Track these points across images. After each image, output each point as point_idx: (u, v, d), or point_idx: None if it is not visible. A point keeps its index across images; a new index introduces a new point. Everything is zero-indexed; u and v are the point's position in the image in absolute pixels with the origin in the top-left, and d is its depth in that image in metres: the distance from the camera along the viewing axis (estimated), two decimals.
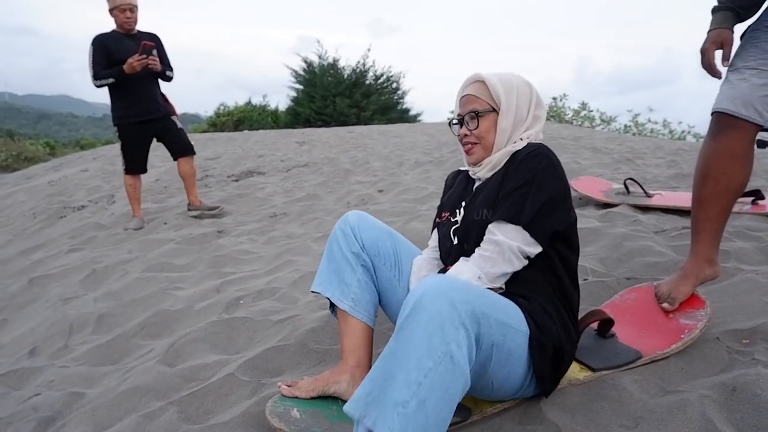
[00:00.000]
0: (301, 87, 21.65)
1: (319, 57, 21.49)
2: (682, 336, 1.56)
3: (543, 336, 1.25)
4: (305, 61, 21.57)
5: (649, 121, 19.00)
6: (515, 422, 1.31)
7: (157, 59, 4.00)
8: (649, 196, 3.18)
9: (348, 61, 21.88)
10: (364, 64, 21.36)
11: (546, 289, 1.33)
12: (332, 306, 1.59)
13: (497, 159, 1.43)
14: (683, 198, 3.06)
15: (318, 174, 5.80)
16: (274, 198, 4.89)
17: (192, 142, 4.46)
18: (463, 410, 1.36)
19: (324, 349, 1.87)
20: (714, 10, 1.74)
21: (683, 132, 18.60)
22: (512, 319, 1.21)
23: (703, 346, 1.55)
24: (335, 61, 21.47)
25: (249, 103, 22.78)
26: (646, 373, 1.46)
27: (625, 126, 19.31)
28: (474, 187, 1.52)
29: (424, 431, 1.01)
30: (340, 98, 20.19)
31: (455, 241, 1.45)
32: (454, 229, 1.46)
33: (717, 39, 1.71)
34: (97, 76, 3.96)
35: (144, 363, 1.98)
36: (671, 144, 7.54)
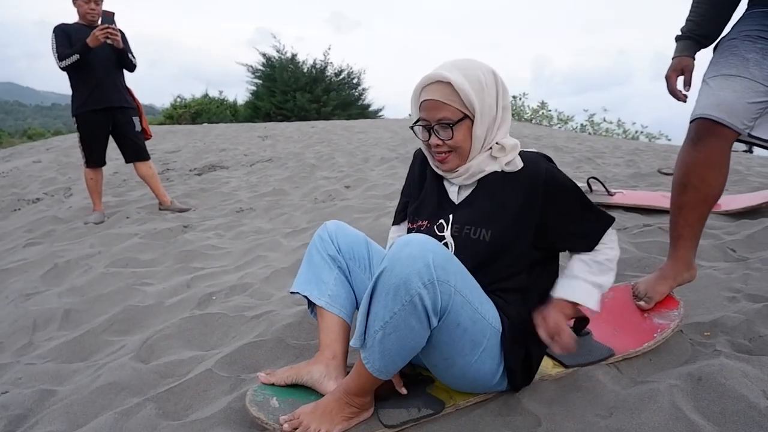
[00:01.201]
0: (260, 81, 21.41)
1: (278, 51, 21.29)
2: (655, 335, 1.63)
3: (515, 334, 1.32)
4: (264, 56, 21.34)
5: (605, 120, 19.60)
6: (495, 414, 1.36)
7: (118, 33, 3.88)
8: (611, 194, 3.30)
9: (309, 56, 21.79)
10: (324, 61, 21.29)
11: (533, 294, 1.39)
12: (311, 306, 1.61)
13: (476, 166, 1.37)
14: (644, 197, 3.19)
15: (283, 169, 5.77)
16: (239, 193, 4.84)
17: (147, 146, 4.36)
18: (436, 403, 1.40)
19: (301, 344, 1.88)
20: (677, 39, 1.86)
21: (637, 132, 19.25)
22: (485, 311, 1.27)
23: (669, 338, 1.63)
24: (293, 56, 21.31)
25: (206, 95, 22.40)
26: (617, 365, 1.53)
27: (582, 125, 19.85)
28: (455, 196, 1.45)
29: (388, 353, 1.22)
30: (300, 93, 20.08)
31: None
32: (443, 244, 1.40)
33: (678, 66, 1.83)
34: (62, 56, 3.84)
35: (117, 359, 1.95)
36: (628, 144, 7.80)
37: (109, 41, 3.80)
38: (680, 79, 1.84)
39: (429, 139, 1.37)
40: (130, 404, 1.62)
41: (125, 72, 4.21)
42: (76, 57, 3.84)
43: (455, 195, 1.45)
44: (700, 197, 1.70)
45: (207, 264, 2.97)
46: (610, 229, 1.41)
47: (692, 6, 1.80)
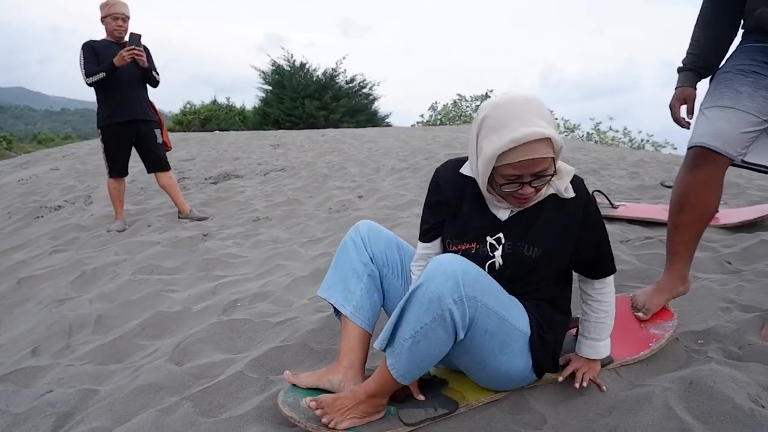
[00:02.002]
0: (269, 88, 21.66)
1: (287, 60, 21.53)
2: (651, 344, 1.76)
3: (543, 335, 1.48)
4: (273, 64, 21.60)
5: (611, 129, 19.72)
6: (505, 413, 1.49)
7: (144, 54, 4.08)
8: (614, 207, 3.44)
9: (318, 63, 22.09)
10: (335, 69, 21.53)
11: (559, 301, 1.57)
12: (336, 310, 1.74)
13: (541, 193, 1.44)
14: (646, 209, 3.32)
15: (296, 178, 5.93)
16: (255, 202, 5.00)
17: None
18: (451, 403, 1.54)
19: (324, 348, 2.03)
20: (679, 70, 2.01)
21: (642, 140, 19.35)
22: (513, 318, 1.42)
23: (665, 345, 1.77)
24: (303, 64, 21.56)
25: (215, 101, 22.69)
26: (617, 370, 1.66)
27: (588, 134, 19.97)
28: (503, 218, 1.48)
29: (414, 359, 1.36)
30: (309, 100, 20.30)
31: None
32: (490, 263, 1.47)
33: (681, 96, 1.98)
34: (89, 73, 4.04)
35: (152, 362, 2.10)
36: (633, 155, 7.92)
37: (135, 60, 4.00)
38: (683, 108, 1.98)
39: (519, 189, 1.36)
40: (168, 403, 1.77)
41: (149, 87, 4.41)
42: (102, 75, 4.04)
43: (500, 212, 1.48)
44: (695, 217, 1.85)
45: (229, 272, 3.13)
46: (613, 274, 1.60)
47: (692, 40, 1.95)
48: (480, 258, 1.48)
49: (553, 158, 1.33)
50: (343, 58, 22.19)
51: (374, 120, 21.80)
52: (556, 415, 1.46)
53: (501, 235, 1.47)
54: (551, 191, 1.45)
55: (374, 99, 22.49)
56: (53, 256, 3.88)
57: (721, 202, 3.40)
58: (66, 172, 7.71)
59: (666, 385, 1.50)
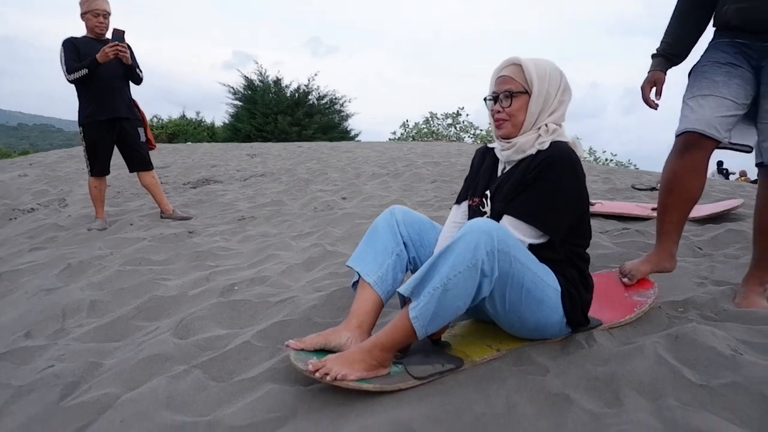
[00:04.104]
0: (240, 103, 21.62)
1: (259, 74, 21.56)
2: (635, 309, 1.91)
3: (571, 291, 1.63)
4: (246, 78, 21.60)
5: None
6: (510, 365, 1.60)
7: (128, 51, 4.09)
8: (591, 204, 3.62)
9: (293, 81, 22.13)
10: (308, 86, 21.65)
11: (578, 260, 1.70)
12: (354, 283, 1.82)
13: (523, 142, 1.65)
14: (621, 206, 3.52)
15: (278, 183, 5.98)
16: (239, 203, 5.03)
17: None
18: (456, 360, 1.63)
19: (327, 322, 2.08)
20: (653, 56, 2.20)
21: (607, 160, 20.01)
22: (544, 275, 1.57)
23: (648, 312, 1.91)
24: (278, 79, 21.64)
25: (183, 116, 22.52)
26: (609, 331, 1.79)
27: None
28: (500, 173, 1.76)
29: (440, 309, 1.44)
30: (281, 116, 20.32)
31: None
32: (486, 218, 1.67)
33: (652, 79, 2.16)
34: (70, 69, 4.02)
35: (155, 337, 2.13)
36: (601, 167, 8.23)
37: (118, 57, 4.01)
38: (653, 91, 2.17)
39: (494, 106, 1.69)
40: (177, 370, 1.80)
41: (131, 84, 4.41)
42: (84, 71, 4.02)
43: (500, 167, 1.76)
44: (683, 199, 2.03)
45: (220, 263, 3.16)
46: (534, 231, 1.61)
47: (667, 29, 2.16)
48: (479, 213, 1.67)
49: (524, 88, 1.64)
50: (315, 74, 22.36)
51: (347, 137, 21.95)
52: (556, 365, 1.57)
53: (489, 191, 1.71)
54: (535, 149, 1.64)
55: (347, 116, 22.69)
56: (33, 253, 3.83)
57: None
58: (36, 178, 7.57)
59: (655, 339, 1.63)
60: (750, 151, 1.98)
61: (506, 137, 1.71)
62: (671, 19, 2.15)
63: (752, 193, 4.44)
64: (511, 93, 1.65)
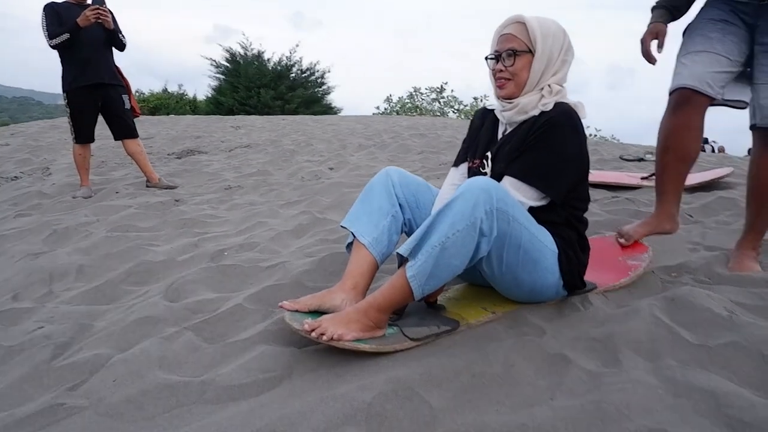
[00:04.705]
0: (223, 77, 21.24)
1: (244, 48, 21.16)
2: (630, 272, 1.91)
3: (568, 252, 1.62)
4: (228, 51, 21.19)
5: None
6: (506, 327, 1.59)
7: (109, 15, 3.99)
8: None
9: (274, 53, 21.74)
10: (290, 58, 21.28)
11: (576, 222, 1.68)
12: (349, 245, 1.79)
13: (525, 102, 1.62)
14: (610, 175, 3.53)
15: (263, 154, 5.91)
16: (224, 173, 4.96)
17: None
18: (452, 322, 1.62)
19: (319, 287, 2.05)
20: (653, 8, 2.14)
21: (592, 135, 20.06)
22: (542, 236, 1.55)
23: (643, 277, 1.91)
24: (260, 53, 21.25)
25: (165, 90, 22.10)
26: (605, 294, 1.79)
27: None
28: (500, 135, 1.74)
29: (437, 268, 1.43)
30: (264, 90, 20.02)
31: None
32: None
33: (654, 30, 2.09)
34: (52, 34, 3.93)
35: (145, 300, 2.10)
36: (590, 140, 8.25)
37: (99, 21, 3.90)
38: (654, 43, 2.09)
39: (496, 65, 1.65)
40: (169, 332, 1.78)
41: (115, 51, 4.30)
42: (66, 36, 3.93)
43: (501, 129, 1.73)
44: (679, 157, 2.02)
45: (208, 230, 3.12)
46: (536, 193, 1.59)
47: None
48: (480, 175, 1.64)
49: (528, 47, 1.60)
50: (296, 45, 21.98)
51: (330, 112, 21.71)
52: (553, 327, 1.57)
53: (489, 153, 1.68)
54: (538, 111, 1.61)
55: (329, 89, 22.42)
56: (18, 220, 3.76)
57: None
58: (18, 147, 7.40)
59: (650, 302, 1.64)
60: (745, 107, 1.95)
61: (508, 97, 1.66)
62: None
63: (739, 164, 4.48)
64: (514, 51, 1.61)
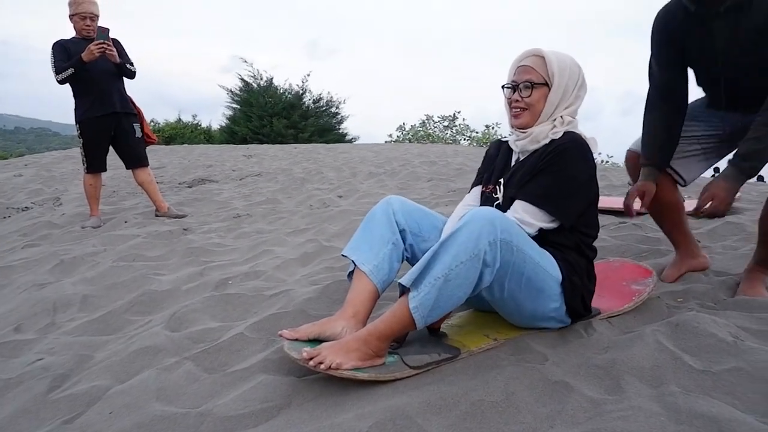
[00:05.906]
0: (238, 106, 21.55)
1: (253, 77, 21.48)
2: (634, 298, 1.87)
3: (573, 279, 1.60)
4: (242, 80, 21.53)
5: None
6: (508, 354, 1.56)
7: (114, 49, 4.06)
8: None
9: (286, 81, 21.99)
10: (302, 87, 21.56)
11: (584, 248, 1.68)
12: (350, 274, 1.78)
13: (538, 132, 1.67)
14: (618, 201, 3.49)
15: (273, 182, 5.95)
16: (234, 202, 5.00)
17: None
18: (453, 349, 1.59)
19: (322, 314, 2.04)
20: (642, 166, 2.08)
21: (603, 161, 20.01)
22: (546, 264, 1.54)
23: (648, 303, 1.88)
24: (270, 81, 21.54)
25: (179, 120, 22.46)
26: (609, 320, 1.76)
27: None
28: (513, 162, 1.78)
29: (440, 299, 1.42)
30: (277, 119, 20.24)
31: None
32: (496, 205, 1.72)
33: (641, 189, 2.05)
34: (59, 70, 4.02)
35: (147, 330, 2.09)
36: (600, 166, 8.22)
37: (105, 55, 3.99)
38: (637, 201, 2.06)
39: (512, 95, 1.70)
40: (169, 362, 1.77)
41: (125, 80, 4.38)
42: (71, 71, 4.02)
43: (514, 157, 1.78)
44: (666, 208, 2.13)
45: (215, 258, 3.13)
46: (546, 216, 1.60)
47: (647, 144, 2.07)
48: (491, 201, 1.68)
49: (545, 80, 1.66)
50: (308, 75, 22.26)
51: (343, 140, 21.89)
52: (555, 354, 1.54)
53: (503, 179, 1.69)
54: (548, 139, 1.65)
55: (342, 119, 22.63)
56: (26, 250, 3.79)
57: (687, 196, 3.59)
58: (31, 178, 7.53)
59: (655, 327, 1.60)
60: (683, 185, 2.09)
61: (522, 127, 1.71)
62: (645, 133, 2.07)
63: (745, 188, 4.43)
64: (532, 84, 1.66)
